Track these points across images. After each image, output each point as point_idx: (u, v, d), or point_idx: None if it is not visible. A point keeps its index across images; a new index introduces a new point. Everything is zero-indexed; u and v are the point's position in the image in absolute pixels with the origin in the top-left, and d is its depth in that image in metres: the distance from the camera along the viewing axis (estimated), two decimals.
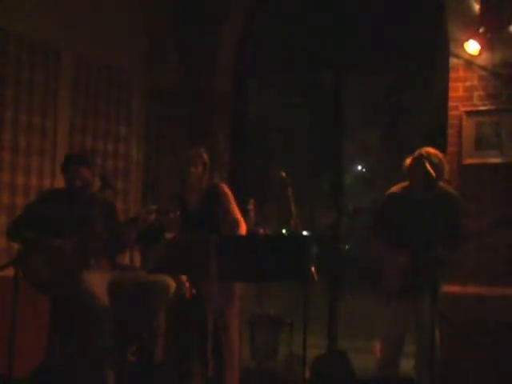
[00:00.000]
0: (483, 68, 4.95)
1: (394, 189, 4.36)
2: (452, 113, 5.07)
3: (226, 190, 4.41)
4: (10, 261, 3.79)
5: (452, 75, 5.08)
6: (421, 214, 4.15)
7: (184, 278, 4.13)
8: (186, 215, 4.35)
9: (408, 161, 4.25)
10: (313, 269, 3.73)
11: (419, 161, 4.17)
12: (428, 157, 4.14)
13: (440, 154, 4.20)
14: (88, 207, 4.25)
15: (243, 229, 4.36)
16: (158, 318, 4.25)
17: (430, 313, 3.87)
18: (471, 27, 4.92)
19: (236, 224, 4.33)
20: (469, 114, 4.99)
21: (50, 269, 4.02)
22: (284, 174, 4.20)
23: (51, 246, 4.03)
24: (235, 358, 4.40)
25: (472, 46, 4.92)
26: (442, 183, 4.21)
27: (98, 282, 4.07)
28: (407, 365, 4.33)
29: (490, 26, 4.84)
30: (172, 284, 4.16)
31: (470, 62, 4.99)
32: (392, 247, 4.18)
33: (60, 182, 5.04)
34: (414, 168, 4.19)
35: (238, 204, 4.85)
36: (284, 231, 4.68)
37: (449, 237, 4.03)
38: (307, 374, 4.37)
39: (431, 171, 4.12)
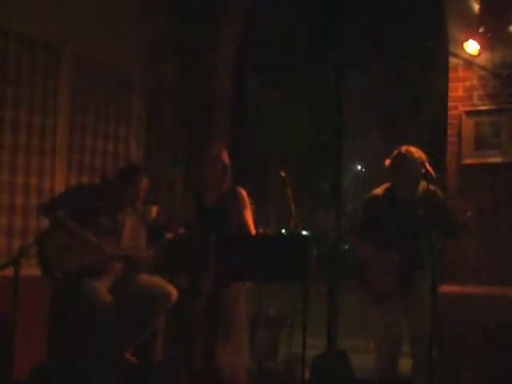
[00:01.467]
0: (483, 68, 4.95)
1: (377, 190, 4.35)
2: (451, 113, 5.07)
3: (245, 195, 4.43)
4: (10, 260, 3.79)
5: (452, 75, 5.08)
6: (406, 213, 4.15)
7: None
8: (202, 212, 4.36)
9: (388, 161, 4.24)
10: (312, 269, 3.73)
11: (400, 160, 4.16)
12: (410, 155, 4.13)
13: (421, 152, 4.17)
14: (125, 217, 4.31)
15: (250, 228, 4.37)
16: (158, 320, 4.25)
17: (425, 313, 3.88)
18: (471, 27, 4.93)
19: (246, 231, 4.34)
20: (468, 113, 5.00)
21: (66, 256, 4.03)
22: (284, 174, 4.20)
23: (78, 234, 4.04)
24: (243, 359, 4.40)
25: (472, 46, 4.92)
26: (423, 182, 4.20)
27: (100, 280, 4.08)
28: (406, 364, 4.33)
29: (490, 26, 4.84)
30: (173, 291, 4.16)
31: (469, 62, 4.99)
32: (379, 248, 4.17)
33: (60, 182, 5.06)
34: (396, 167, 4.19)
35: None
36: (284, 231, 4.68)
37: (438, 231, 4.01)
38: (307, 374, 4.37)
39: (431, 170, 4.11)
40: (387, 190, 4.31)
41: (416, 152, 4.14)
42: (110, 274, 4.17)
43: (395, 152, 4.21)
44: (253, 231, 4.37)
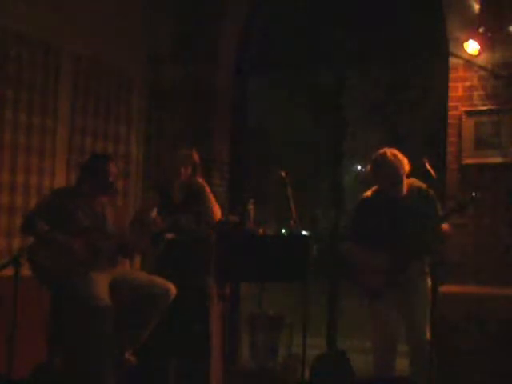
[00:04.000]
0: (483, 68, 4.95)
1: (367, 193, 4.37)
2: (452, 113, 5.07)
3: (204, 184, 4.65)
4: (9, 260, 3.79)
5: (452, 75, 5.08)
6: (396, 212, 4.15)
7: None
8: (171, 208, 4.49)
9: (369, 166, 4.26)
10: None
11: (376, 164, 4.18)
12: (384, 158, 4.14)
13: (396, 152, 4.18)
14: (103, 207, 4.29)
15: (217, 215, 4.54)
16: (158, 319, 4.24)
17: (420, 311, 3.88)
18: (471, 27, 4.92)
19: (211, 213, 4.52)
20: (468, 113, 4.99)
21: (59, 263, 4.00)
22: (284, 174, 4.21)
23: (62, 242, 4.03)
24: (219, 358, 4.52)
25: (472, 46, 4.92)
26: (411, 179, 4.20)
27: (99, 281, 4.07)
28: (405, 364, 4.32)
29: (490, 26, 4.84)
30: (172, 288, 4.17)
31: (469, 62, 4.99)
32: (370, 248, 4.16)
33: (60, 182, 5.06)
34: (374, 171, 4.21)
35: (238, 204, 4.90)
36: (284, 231, 4.69)
37: (432, 226, 4.02)
38: (307, 374, 4.37)
39: (431, 170, 4.11)
40: (375, 191, 4.33)
41: (391, 154, 4.16)
42: (108, 273, 4.16)
43: (373, 157, 4.24)
44: (216, 211, 4.56)
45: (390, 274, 4.10)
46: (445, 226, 4.10)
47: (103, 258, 4.15)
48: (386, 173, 4.17)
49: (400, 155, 4.18)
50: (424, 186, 4.19)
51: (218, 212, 4.63)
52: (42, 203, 4.31)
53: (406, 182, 4.20)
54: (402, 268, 4.09)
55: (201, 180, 4.65)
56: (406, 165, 4.16)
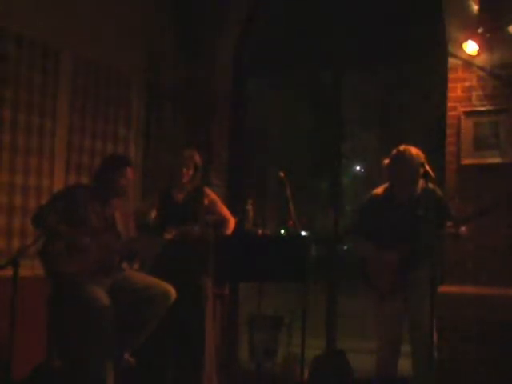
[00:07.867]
0: (482, 68, 4.95)
1: (377, 190, 4.34)
2: (451, 113, 5.08)
3: (211, 192, 4.74)
4: (8, 261, 3.79)
5: (451, 75, 5.09)
6: (405, 212, 4.14)
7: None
8: (171, 210, 4.54)
9: (387, 160, 4.23)
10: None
11: (399, 159, 4.15)
12: (408, 154, 4.12)
13: (419, 152, 4.14)
14: (113, 210, 4.28)
15: (231, 223, 4.62)
16: (158, 320, 4.24)
17: (425, 312, 3.88)
18: (470, 27, 4.94)
19: (225, 222, 4.61)
20: (467, 114, 5.00)
21: (73, 262, 3.99)
22: (282, 175, 4.21)
23: (78, 241, 4.02)
24: (211, 358, 4.56)
25: (471, 47, 4.93)
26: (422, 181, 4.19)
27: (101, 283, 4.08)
28: (405, 364, 4.33)
29: (489, 27, 4.85)
30: (172, 291, 4.17)
31: (468, 63, 5.00)
32: (378, 247, 4.16)
33: (59, 183, 5.05)
34: (394, 166, 4.18)
35: (237, 204, 4.92)
36: (283, 231, 4.69)
37: (437, 228, 4.02)
38: (306, 375, 4.37)
39: (430, 171, 4.11)
40: (386, 189, 4.31)
41: (414, 151, 4.13)
42: (112, 274, 4.16)
43: (394, 151, 4.20)
44: (230, 219, 4.64)
45: (400, 275, 4.10)
46: (463, 228, 4.10)
47: (112, 261, 4.16)
48: (404, 170, 4.13)
49: (421, 154, 4.12)
50: (435, 188, 4.19)
51: (227, 213, 4.67)
52: (54, 198, 4.29)
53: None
54: (411, 268, 4.09)
55: (205, 188, 4.72)
56: (426, 166, 4.11)
